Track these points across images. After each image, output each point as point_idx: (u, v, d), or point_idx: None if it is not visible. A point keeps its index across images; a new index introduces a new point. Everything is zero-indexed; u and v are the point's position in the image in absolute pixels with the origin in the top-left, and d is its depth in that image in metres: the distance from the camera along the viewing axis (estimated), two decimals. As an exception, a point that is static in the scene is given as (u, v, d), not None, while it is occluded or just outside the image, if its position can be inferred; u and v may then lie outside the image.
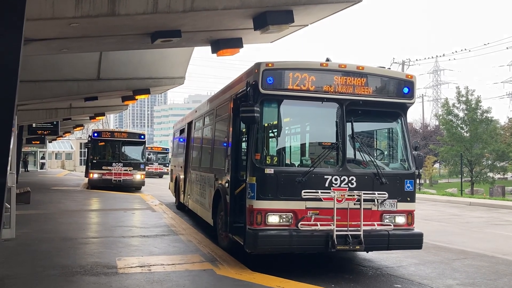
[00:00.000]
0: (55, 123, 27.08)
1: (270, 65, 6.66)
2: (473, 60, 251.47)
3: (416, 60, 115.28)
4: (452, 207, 19.15)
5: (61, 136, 42.10)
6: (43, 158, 58.57)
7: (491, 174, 33.89)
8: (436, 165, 46.98)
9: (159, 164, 43.88)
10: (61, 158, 69.90)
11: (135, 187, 22.70)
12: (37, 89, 14.29)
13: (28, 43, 8.36)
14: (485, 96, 77.72)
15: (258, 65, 6.73)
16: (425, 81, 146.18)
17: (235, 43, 9.13)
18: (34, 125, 27.07)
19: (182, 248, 8.08)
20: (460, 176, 27.62)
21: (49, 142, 52.89)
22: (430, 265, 7.82)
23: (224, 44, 9.16)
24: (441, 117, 34.72)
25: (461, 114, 32.82)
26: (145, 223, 11.05)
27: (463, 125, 32.80)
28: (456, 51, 79.40)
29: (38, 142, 37.85)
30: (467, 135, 32.48)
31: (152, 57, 14.42)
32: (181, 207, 14.44)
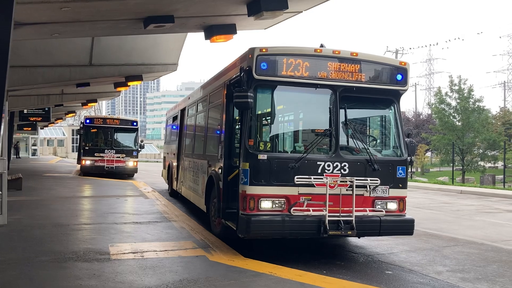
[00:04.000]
0: (46, 109, 26.82)
1: (264, 50, 6.63)
2: (467, 49, 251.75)
3: (410, 48, 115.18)
4: (443, 195, 19.30)
5: (53, 123, 41.77)
6: (34, 144, 58.16)
7: (482, 163, 34.14)
8: (428, 154, 47.21)
9: None
10: (53, 144, 69.52)
11: (127, 174, 22.67)
12: (28, 74, 14.11)
13: (19, 27, 8.23)
14: (478, 86, 77.85)
15: (252, 50, 6.68)
16: (418, 70, 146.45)
17: (229, 30, 9.05)
18: (25, 111, 26.79)
19: (175, 234, 8.09)
20: (451, 164, 27.77)
21: (41, 128, 52.54)
22: (421, 252, 7.90)
23: (218, 30, 9.08)
24: (433, 106, 34.86)
25: (453, 103, 32.96)
26: (137, 210, 11.04)
27: (455, 114, 32.95)
28: (449, 40, 79.33)
29: (29, 129, 37.58)
30: (459, 124, 32.64)
31: (145, 43, 14.27)
32: (174, 194, 14.44)
